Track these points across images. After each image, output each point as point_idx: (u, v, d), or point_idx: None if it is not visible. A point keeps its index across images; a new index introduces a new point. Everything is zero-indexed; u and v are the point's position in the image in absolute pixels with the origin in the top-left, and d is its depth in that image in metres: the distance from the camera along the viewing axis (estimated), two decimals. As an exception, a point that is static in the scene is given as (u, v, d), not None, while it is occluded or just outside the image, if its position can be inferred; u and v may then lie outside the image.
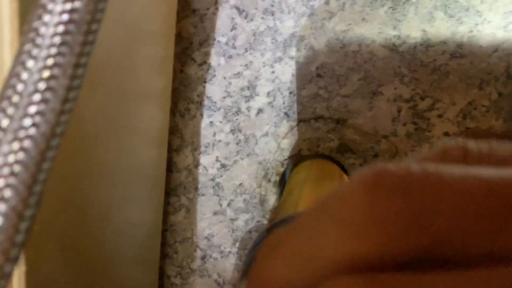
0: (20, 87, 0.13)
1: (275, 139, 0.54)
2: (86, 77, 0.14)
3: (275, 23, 0.52)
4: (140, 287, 0.53)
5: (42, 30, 0.13)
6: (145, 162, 0.49)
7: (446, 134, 0.54)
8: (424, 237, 0.08)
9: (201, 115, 0.54)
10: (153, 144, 0.49)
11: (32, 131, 0.13)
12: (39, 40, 0.13)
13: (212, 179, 0.55)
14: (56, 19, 0.13)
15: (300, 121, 0.54)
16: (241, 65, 0.53)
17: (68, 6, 0.13)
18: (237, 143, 0.54)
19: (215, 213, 0.56)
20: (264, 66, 0.53)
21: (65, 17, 0.13)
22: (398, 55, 0.52)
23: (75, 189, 0.42)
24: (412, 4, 0.51)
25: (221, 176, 0.55)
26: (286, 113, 0.54)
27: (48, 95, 0.13)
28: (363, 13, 0.51)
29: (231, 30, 0.52)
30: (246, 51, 0.52)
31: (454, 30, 0.52)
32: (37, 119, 0.13)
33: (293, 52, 0.52)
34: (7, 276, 0.12)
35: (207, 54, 0.53)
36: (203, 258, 0.57)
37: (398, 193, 0.08)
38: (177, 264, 0.57)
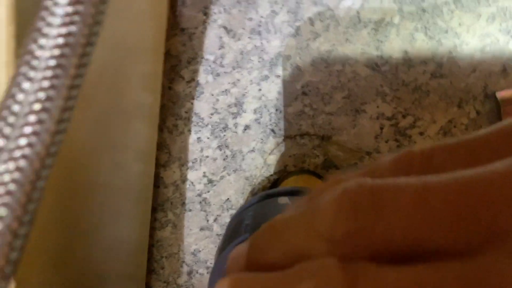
0: (16, 108, 0.13)
1: (261, 155, 0.55)
2: (76, 95, 0.14)
3: (261, 43, 0.53)
4: (126, 303, 0.53)
5: (38, 53, 0.14)
6: (132, 177, 0.49)
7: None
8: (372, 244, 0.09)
9: (189, 131, 0.55)
10: (141, 159, 0.49)
11: (27, 151, 0.13)
12: (35, 63, 0.14)
13: (199, 195, 0.56)
14: (52, 42, 0.14)
15: (286, 137, 0.55)
16: (229, 83, 0.54)
17: (64, 30, 0.14)
18: (224, 159, 0.55)
19: (201, 229, 0.56)
20: (251, 84, 0.54)
21: (61, 40, 0.14)
22: (381, 75, 0.54)
23: (63, 205, 0.42)
24: (394, 26, 0.53)
25: (208, 191, 0.56)
26: (272, 130, 0.55)
27: (43, 116, 0.13)
28: (347, 34, 0.53)
29: (219, 49, 0.53)
30: (234, 69, 0.54)
31: (434, 51, 0.54)
32: (32, 139, 0.13)
33: (279, 70, 0.54)
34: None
35: (195, 72, 0.54)
36: (190, 273, 0.57)
37: (352, 213, 0.10)
38: (164, 280, 0.57)
